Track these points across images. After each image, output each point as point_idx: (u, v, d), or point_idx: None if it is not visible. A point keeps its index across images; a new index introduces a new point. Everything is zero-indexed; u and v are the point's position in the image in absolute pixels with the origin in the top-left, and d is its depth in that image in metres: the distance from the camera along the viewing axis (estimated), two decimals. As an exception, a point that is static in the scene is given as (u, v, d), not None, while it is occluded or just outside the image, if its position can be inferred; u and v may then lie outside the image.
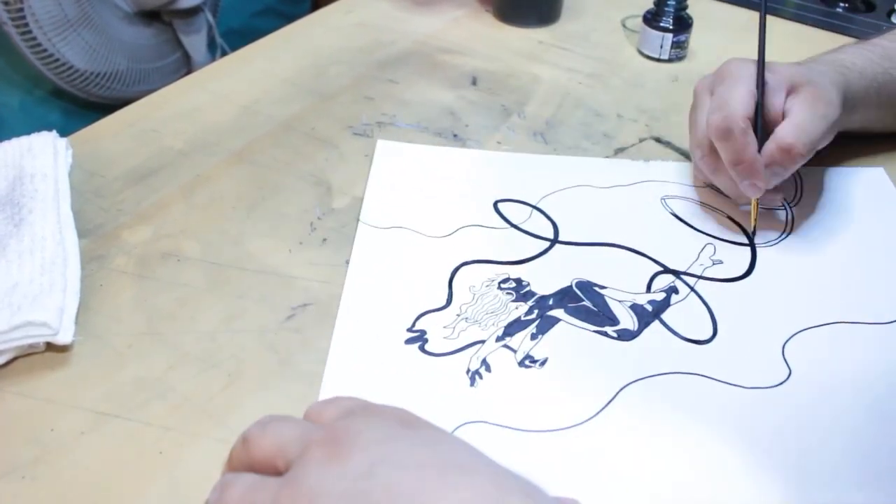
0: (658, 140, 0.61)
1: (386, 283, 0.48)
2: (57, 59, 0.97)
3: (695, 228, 0.52)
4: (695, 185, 0.56)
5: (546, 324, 0.46)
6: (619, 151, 0.59)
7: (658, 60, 0.71)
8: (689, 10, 0.70)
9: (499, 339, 0.45)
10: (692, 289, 0.48)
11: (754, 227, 0.52)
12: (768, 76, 0.51)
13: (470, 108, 0.64)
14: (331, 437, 0.30)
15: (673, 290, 0.48)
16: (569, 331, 0.45)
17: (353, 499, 0.28)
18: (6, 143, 0.54)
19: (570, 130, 0.61)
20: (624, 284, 0.48)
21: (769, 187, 0.50)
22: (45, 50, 0.96)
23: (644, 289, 0.48)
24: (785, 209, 0.53)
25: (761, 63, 0.51)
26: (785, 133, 0.49)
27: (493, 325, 0.45)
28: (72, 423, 0.39)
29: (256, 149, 0.59)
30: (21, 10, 0.91)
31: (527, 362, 0.43)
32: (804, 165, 0.50)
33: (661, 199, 0.54)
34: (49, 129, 0.55)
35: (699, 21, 0.71)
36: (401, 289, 0.48)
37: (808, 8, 0.79)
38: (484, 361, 0.43)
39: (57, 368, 0.42)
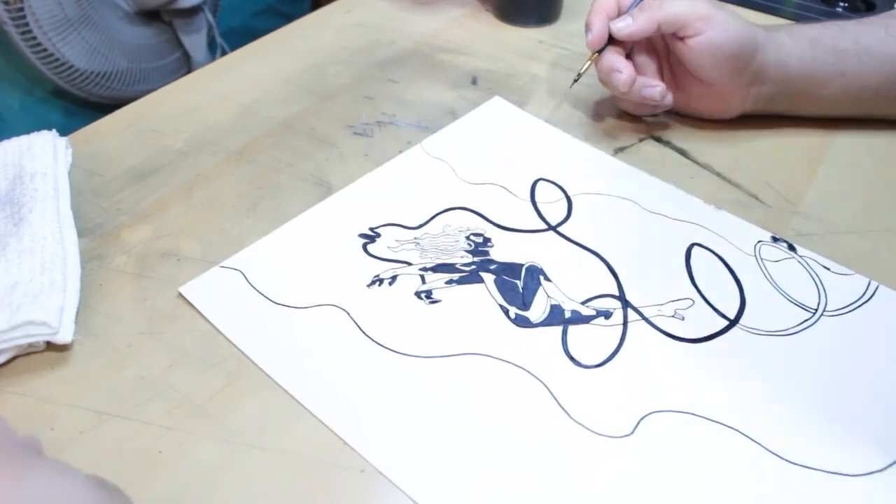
0: (658, 140, 0.61)
1: (393, 190, 0.54)
2: (57, 59, 0.97)
3: (692, 280, 0.48)
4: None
5: (469, 279, 0.47)
6: (618, 151, 0.59)
7: (658, 60, 0.71)
8: (688, 10, 0.70)
9: (423, 269, 0.48)
10: (625, 322, 0.45)
11: (580, 74, 0.59)
12: None
13: (470, 107, 0.64)
14: None
15: (605, 313, 0.46)
16: (480, 293, 0.47)
17: None
18: (6, 143, 0.54)
19: (569, 130, 0.61)
20: (568, 287, 0.47)
21: (618, 37, 0.57)
22: (45, 49, 0.96)
23: (582, 299, 0.47)
24: (815, 313, 0.46)
25: None
26: None
27: (432, 259, 0.49)
28: (72, 423, 0.39)
29: (256, 149, 0.59)
30: (21, 9, 0.91)
31: (422, 295, 0.46)
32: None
33: (691, 243, 0.51)
34: (49, 128, 0.55)
35: (699, 21, 0.71)
36: (398, 199, 0.53)
37: (808, 8, 0.79)
38: (394, 277, 0.47)
39: (57, 368, 0.42)
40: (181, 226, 0.52)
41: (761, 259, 0.50)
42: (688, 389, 0.42)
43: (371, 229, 0.51)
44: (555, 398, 0.41)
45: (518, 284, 0.47)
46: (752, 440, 0.39)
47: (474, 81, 0.68)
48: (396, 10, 0.79)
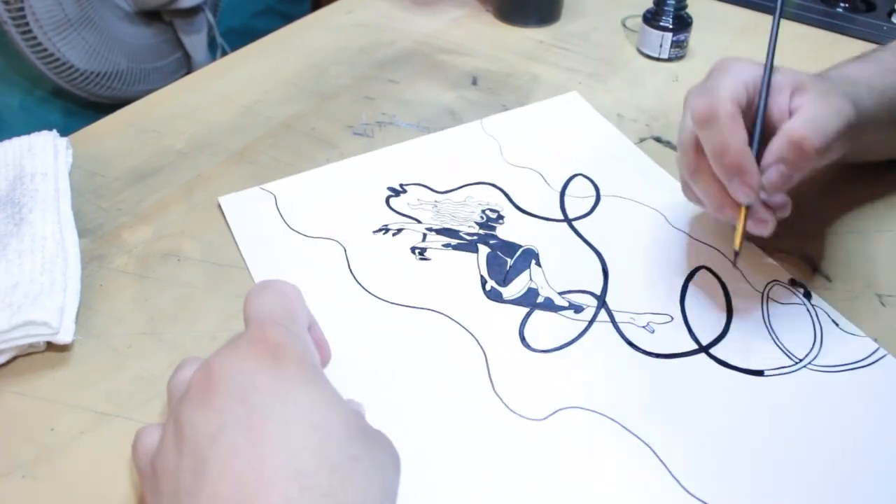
0: (658, 140, 0.61)
1: (443, 153, 0.58)
2: (57, 59, 0.97)
3: (682, 301, 0.46)
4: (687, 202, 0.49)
5: (465, 247, 0.50)
6: (619, 151, 0.59)
7: (658, 60, 0.71)
8: (688, 10, 0.70)
9: (429, 229, 0.51)
10: (591, 321, 0.45)
11: (738, 249, 0.43)
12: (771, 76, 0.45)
13: (470, 108, 0.64)
14: (203, 376, 0.32)
15: (577, 307, 0.46)
16: (468, 262, 0.49)
17: (200, 458, 0.29)
18: (6, 143, 0.54)
19: (570, 130, 0.61)
20: (553, 276, 0.48)
21: (771, 194, 0.42)
22: (45, 50, 0.96)
23: (562, 290, 0.47)
24: (798, 363, 0.43)
25: (770, 57, 0.45)
26: (796, 125, 0.41)
27: (441, 223, 0.51)
28: (72, 423, 0.39)
29: (257, 149, 0.59)
30: (21, 9, 0.92)
31: (416, 251, 0.49)
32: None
33: (701, 265, 0.49)
34: (49, 128, 0.55)
35: (699, 20, 0.71)
36: (440, 163, 0.57)
37: (808, 8, 0.79)
38: (400, 230, 0.51)
39: (57, 368, 0.42)
40: (182, 226, 0.52)
41: (767, 297, 0.47)
42: (619, 396, 0.41)
43: (400, 185, 0.54)
44: (488, 369, 0.42)
45: (507, 262, 0.49)
46: (660, 460, 0.38)
47: (474, 82, 0.68)
48: (396, 11, 0.79)
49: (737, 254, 0.43)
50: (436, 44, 0.73)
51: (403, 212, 0.52)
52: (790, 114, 0.44)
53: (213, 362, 0.32)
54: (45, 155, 0.52)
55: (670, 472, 0.38)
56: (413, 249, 0.49)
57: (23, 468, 0.37)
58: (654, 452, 0.38)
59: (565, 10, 0.78)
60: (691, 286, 0.47)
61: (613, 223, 0.52)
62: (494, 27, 0.76)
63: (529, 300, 0.46)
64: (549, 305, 0.46)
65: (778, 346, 0.44)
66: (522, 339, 0.44)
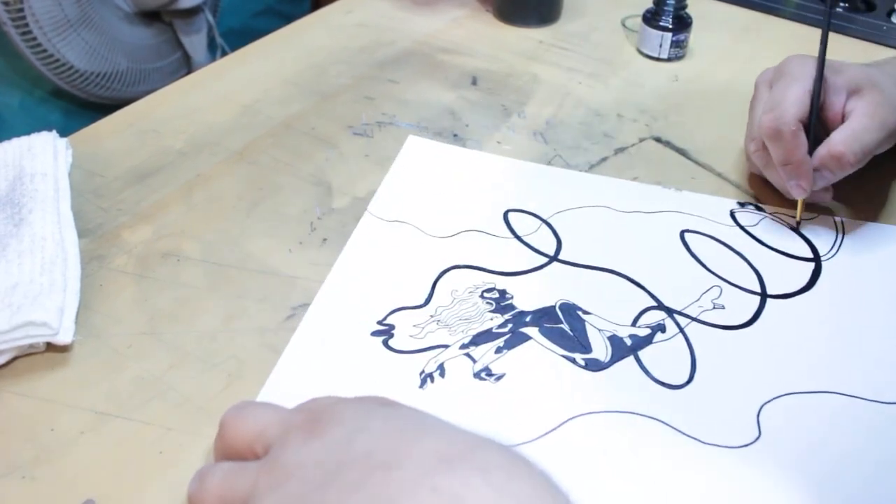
0: (658, 140, 0.61)
1: (372, 274, 0.48)
2: (57, 60, 0.97)
3: (706, 268, 0.49)
4: (749, 171, 0.56)
5: (515, 340, 0.44)
6: (619, 151, 0.59)
7: (657, 59, 0.71)
8: (688, 10, 0.70)
9: (463, 346, 0.44)
10: (681, 330, 0.45)
11: (798, 221, 0.52)
12: (831, 76, 0.50)
13: (470, 107, 0.64)
14: (311, 417, 0.30)
15: (660, 327, 0.45)
16: (536, 351, 0.44)
17: (329, 466, 0.28)
18: (6, 143, 0.54)
19: (570, 130, 0.61)
20: (610, 314, 0.46)
21: (816, 188, 0.50)
22: (45, 50, 0.96)
23: (630, 321, 0.45)
24: (815, 261, 0.50)
25: (821, 64, 0.50)
26: (838, 140, 0.48)
27: (463, 332, 0.44)
28: (72, 423, 0.39)
29: (256, 149, 0.59)
30: (21, 10, 0.92)
31: (483, 374, 0.42)
32: (847, 216, 0.53)
33: (681, 231, 0.51)
34: (49, 128, 0.55)
35: (699, 20, 0.71)
36: (385, 281, 0.48)
37: (808, 8, 0.79)
38: (440, 366, 0.43)
39: (57, 368, 0.42)
40: (182, 226, 0.52)
41: (743, 227, 0.52)
42: (778, 372, 0.42)
43: (380, 323, 0.45)
44: (675, 429, 0.39)
45: (564, 328, 0.45)
46: (851, 396, 0.41)
47: (474, 81, 0.68)
48: (396, 11, 0.79)
49: (798, 224, 0.52)
50: (436, 44, 0.73)
51: (415, 347, 0.44)
52: (843, 117, 0.50)
53: (318, 406, 0.32)
54: (44, 155, 0.52)
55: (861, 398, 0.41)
56: (477, 376, 0.42)
57: (23, 468, 0.37)
58: (845, 394, 0.41)
59: (565, 10, 0.78)
60: (696, 252, 0.50)
61: (586, 238, 0.51)
62: (494, 27, 0.76)
63: (622, 350, 0.44)
64: (640, 342, 0.44)
65: (792, 257, 0.50)
66: (662, 384, 0.42)
